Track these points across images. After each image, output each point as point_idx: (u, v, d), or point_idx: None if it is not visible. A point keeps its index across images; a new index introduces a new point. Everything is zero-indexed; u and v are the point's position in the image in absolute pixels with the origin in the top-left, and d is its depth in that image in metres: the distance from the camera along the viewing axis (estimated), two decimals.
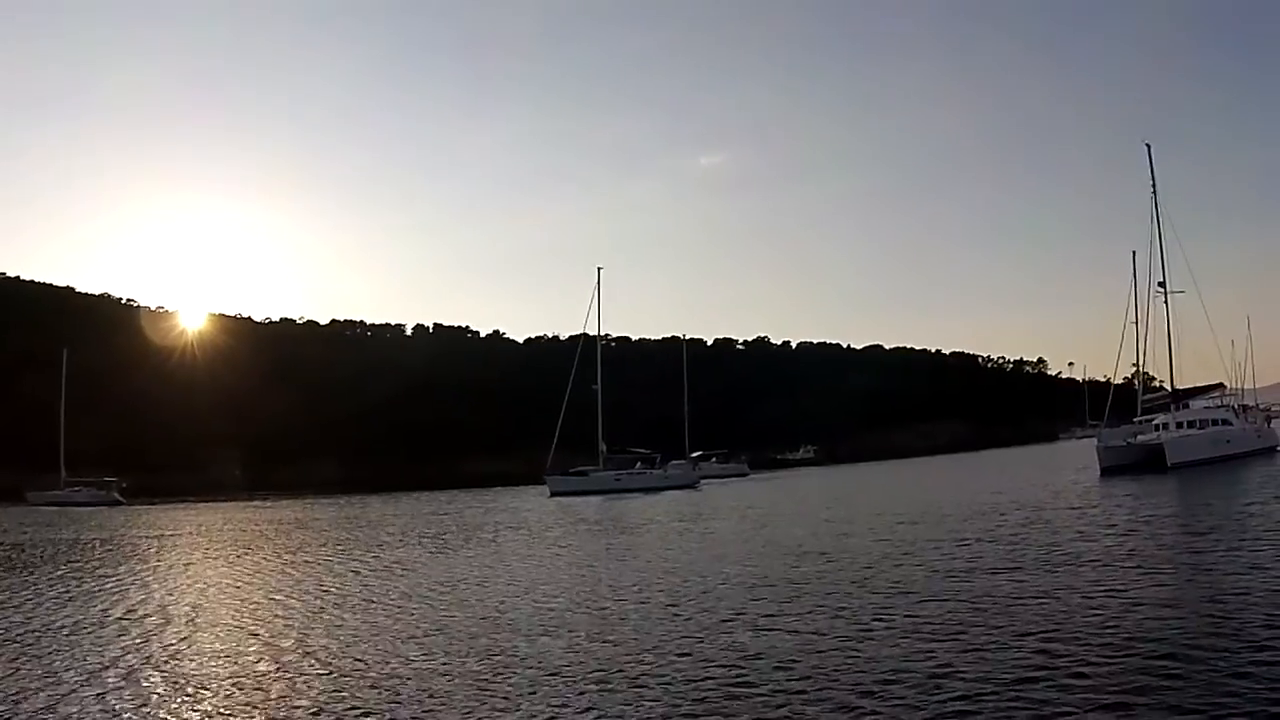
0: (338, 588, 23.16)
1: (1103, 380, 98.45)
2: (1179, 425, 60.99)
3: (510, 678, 12.71)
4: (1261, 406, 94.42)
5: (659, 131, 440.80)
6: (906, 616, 15.28)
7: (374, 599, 20.89)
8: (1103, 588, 16.75)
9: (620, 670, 12.85)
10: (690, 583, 21.05)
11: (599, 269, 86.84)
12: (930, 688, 10.77)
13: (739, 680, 11.80)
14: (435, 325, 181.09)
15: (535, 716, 10.79)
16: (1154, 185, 66.62)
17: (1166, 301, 65.56)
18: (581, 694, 11.68)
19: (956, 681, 10.96)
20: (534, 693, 11.86)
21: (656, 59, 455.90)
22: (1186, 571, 18.45)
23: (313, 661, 14.49)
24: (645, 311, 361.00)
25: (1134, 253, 70.22)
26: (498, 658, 14.01)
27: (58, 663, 14.63)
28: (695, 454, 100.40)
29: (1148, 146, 68.43)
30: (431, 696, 12.03)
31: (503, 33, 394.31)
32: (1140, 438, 60.80)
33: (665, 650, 13.89)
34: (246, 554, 33.71)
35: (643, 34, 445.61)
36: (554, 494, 72.70)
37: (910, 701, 10.33)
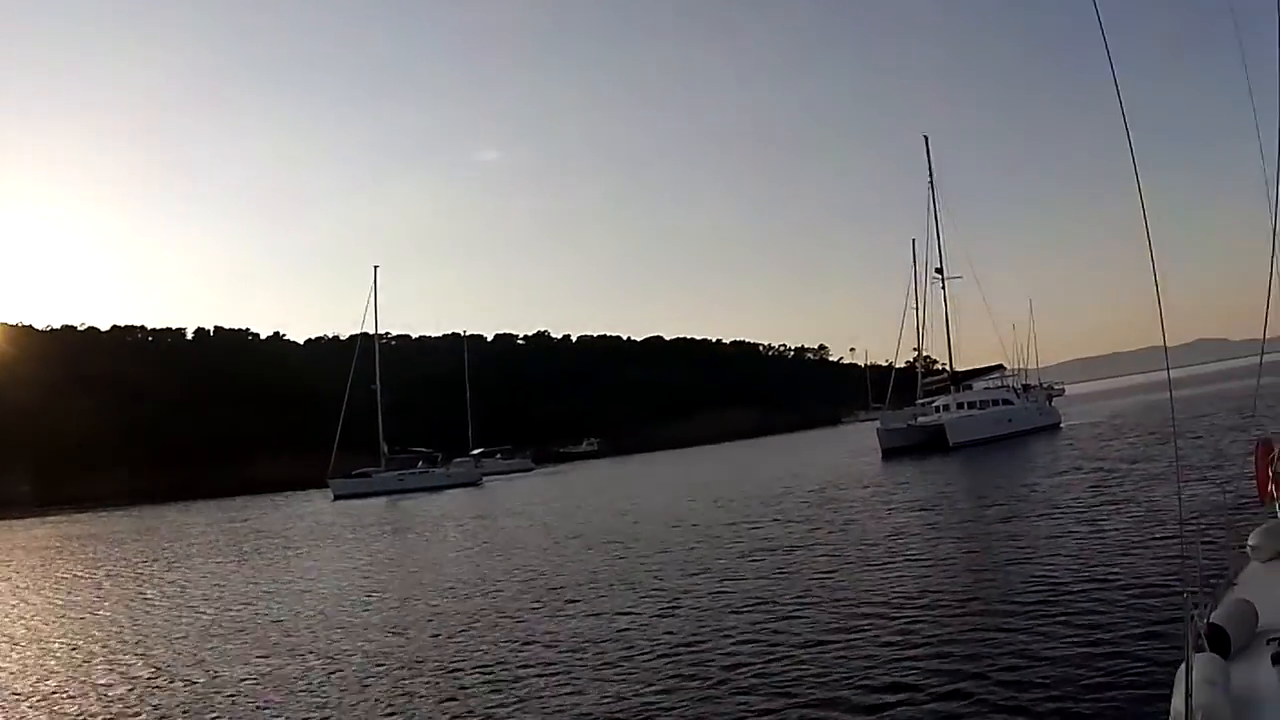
0: (127, 608, 23.46)
1: (885, 365, 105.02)
2: (960, 406, 66.85)
3: (305, 686, 13.77)
4: (1044, 385, 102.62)
5: (437, 126, 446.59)
6: (710, 594, 17.73)
7: (160, 619, 21.34)
8: (882, 559, 19.76)
9: (419, 664, 14.40)
10: (478, 580, 22.84)
11: (375, 267, 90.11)
12: (729, 662, 12.57)
13: (532, 671, 13.27)
14: (216, 328, 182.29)
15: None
16: (931, 175, 73.15)
17: (944, 287, 72.41)
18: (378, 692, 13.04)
19: (752, 648, 13.12)
20: (328, 693, 13.21)
21: (434, 53, 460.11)
22: (959, 543, 21.42)
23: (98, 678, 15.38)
24: (426, 308, 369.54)
25: (914, 240, 76.25)
26: (290, 669, 14.95)
27: None
28: (477, 451, 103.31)
29: (925, 138, 75.03)
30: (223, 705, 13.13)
31: (277, 25, 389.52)
32: (921, 419, 66.08)
33: (466, 647, 15.31)
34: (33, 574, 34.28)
35: (419, 28, 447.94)
36: (338, 497, 76.26)
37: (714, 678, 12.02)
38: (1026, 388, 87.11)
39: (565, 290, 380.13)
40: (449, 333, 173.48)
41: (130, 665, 16.25)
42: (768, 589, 17.66)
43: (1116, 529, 19.87)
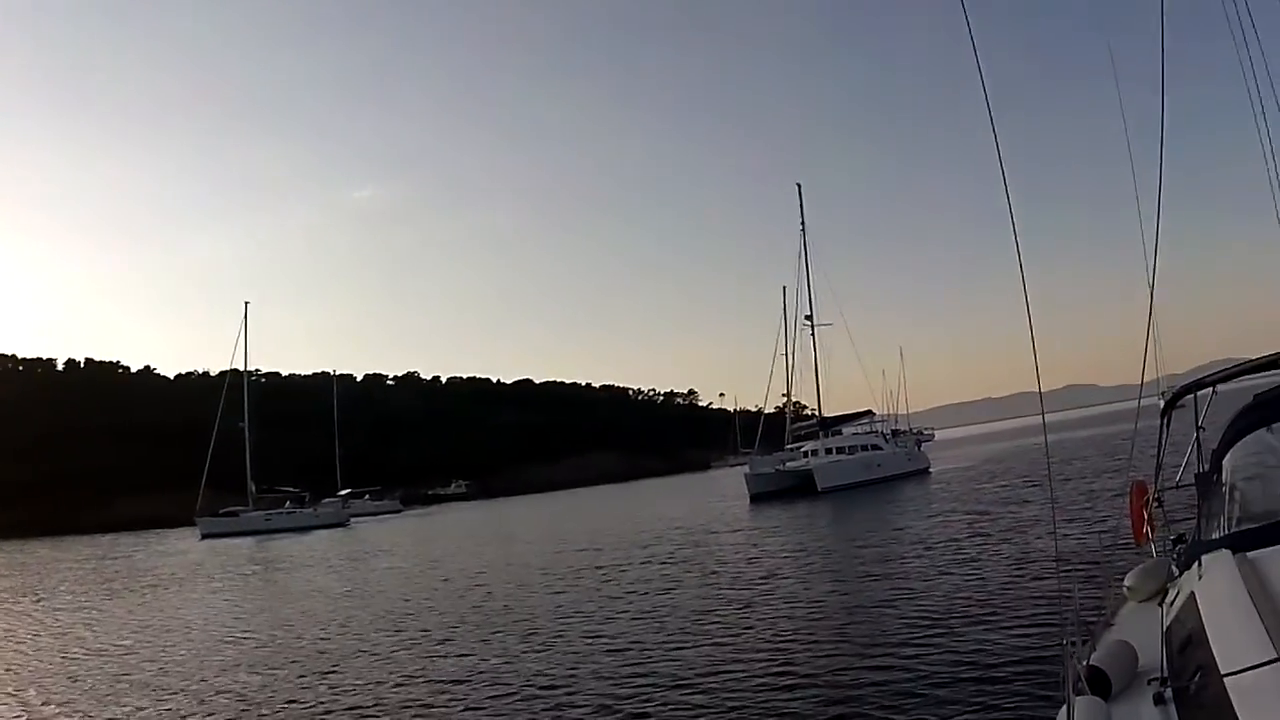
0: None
1: (755, 410, 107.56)
2: (828, 451, 68.50)
3: None
4: (914, 430, 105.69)
5: (311, 163, 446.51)
6: (583, 635, 18.23)
7: (30, 658, 21.77)
8: (752, 602, 20.32)
9: (290, 704, 14.76)
10: (348, 621, 23.45)
11: (246, 303, 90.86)
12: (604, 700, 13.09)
13: (406, 712, 13.70)
14: (86, 360, 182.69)
15: None
16: (803, 223, 75.62)
17: (813, 333, 74.55)
18: None
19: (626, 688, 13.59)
20: None
21: (307, 88, 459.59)
22: (829, 586, 21.78)
23: None
24: (297, 346, 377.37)
25: (785, 287, 78.50)
26: (161, 708, 15.25)
27: None
28: (345, 491, 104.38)
29: (798, 186, 77.14)
30: None
31: (152, 57, 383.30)
32: (789, 464, 67.95)
33: (337, 686, 15.73)
34: None
35: (293, 63, 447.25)
36: (205, 536, 76.61)
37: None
38: (896, 433, 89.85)
39: (436, 330, 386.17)
40: (319, 371, 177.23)
41: None
42: (641, 630, 18.08)
43: (991, 571, 20.19)
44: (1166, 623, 5.47)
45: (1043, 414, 6.80)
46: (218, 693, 16.02)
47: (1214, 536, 5.99)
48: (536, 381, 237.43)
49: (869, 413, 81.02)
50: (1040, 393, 6.41)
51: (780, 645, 15.48)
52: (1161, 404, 8.49)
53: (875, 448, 71.84)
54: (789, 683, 12.95)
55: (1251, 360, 7.83)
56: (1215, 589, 4.88)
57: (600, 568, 29.92)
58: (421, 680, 15.62)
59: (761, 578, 23.90)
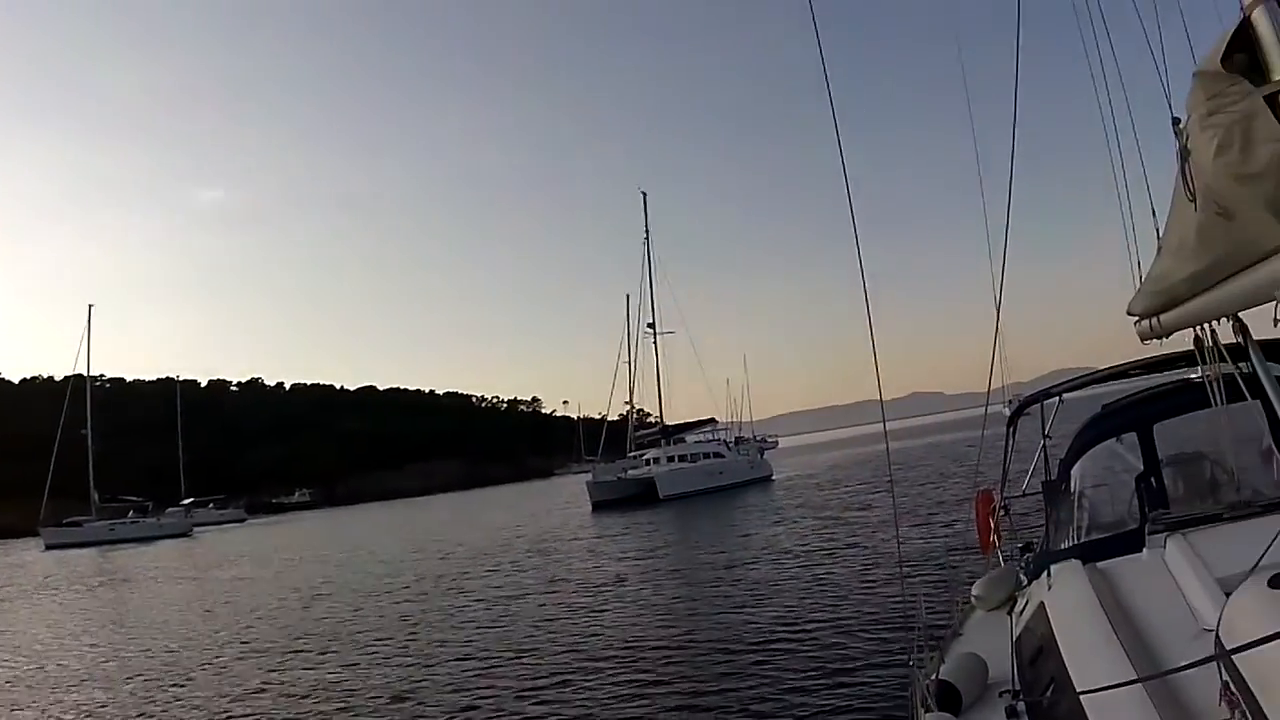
0: None
1: (599, 418, 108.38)
2: (670, 459, 69.20)
3: None
4: (758, 438, 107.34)
5: (156, 164, 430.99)
6: (431, 643, 18.85)
7: None
8: (585, 607, 21.23)
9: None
10: (195, 632, 23.77)
11: (90, 306, 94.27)
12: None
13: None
14: None
15: None
16: (647, 231, 76.31)
17: (655, 342, 75.29)
18: None
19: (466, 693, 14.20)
20: None
21: (154, 91, 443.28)
22: (663, 593, 22.38)
23: None
24: (141, 351, 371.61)
25: (629, 295, 79.06)
26: None
27: None
28: (189, 500, 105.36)
29: (644, 195, 77.57)
30: None
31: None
32: (631, 472, 68.85)
33: (183, 699, 16.08)
34: None
35: (141, 65, 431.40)
36: (49, 547, 77.33)
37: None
38: (739, 440, 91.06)
39: (281, 337, 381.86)
40: (163, 377, 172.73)
41: None
42: (488, 639, 18.56)
43: (837, 579, 20.51)
44: (1016, 633, 5.58)
45: (884, 421, 6.96)
46: (65, 709, 16.08)
47: (1063, 546, 6.15)
48: (380, 388, 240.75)
49: (711, 420, 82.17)
50: (881, 400, 6.60)
51: (622, 653, 15.80)
52: (1007, 412, 8.73)
53: (717, 455, 73.07)
54: (632, 691, 13.17)
55: (1098, 371, 8.13)
56: (1065, 599, 4.98)
57: (445, 577, 30.26)
58: (270, 692, 15.79)
59: (603, 586, 24.28)
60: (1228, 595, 3.61)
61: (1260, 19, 3.12)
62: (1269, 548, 3.33)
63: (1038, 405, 8.49)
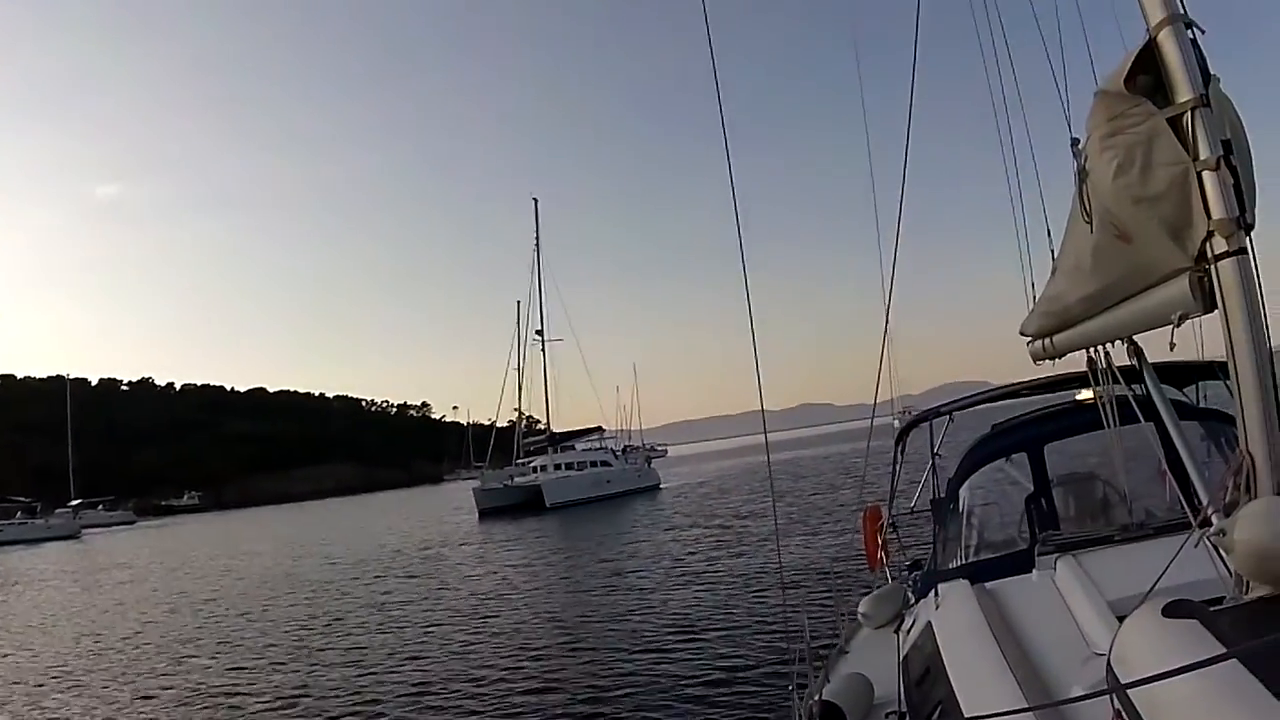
0: None
1: (488, 424, 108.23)
2: (557, 467, 69.17)
3: None
4: (646, 446, 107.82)
5: (53, 157, 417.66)
6: (320, 649, 19.10)
7: None
8: (472, 614, 21.54)
9: None
10: (84, 636, 23.90)
11: None
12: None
13: None
14: None
15: None
16: (538, 238, 76.08)
17: (544, 349, 75.24)
18: None
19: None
20: None
21: (52, 82, 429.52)
22: (545, 603, 22.48)
23: None
24: (31, 347, 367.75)
25: (519, 302, 78.55)
26: None
27: None
28: (77, 501, 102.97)
29: (535, 201, 77.72)
30: None
31: None
32: (519, 479, 68.63)
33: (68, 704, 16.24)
34: None
35: (40, 53, 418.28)
36: None
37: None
38: (627, 449, 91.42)
39: (172, 335, 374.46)
40: (53, 375, 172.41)
41: None
42: (375, 643, 19.01)
43: (721, 591, 20.56)
44: (903, 653, 5.55)
45: (764, 432, 6.96)
46: None
47: (951, 565, 6.13)
48: (271, 390, 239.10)
49: (599, 429, 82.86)
50: (763, 412, 6.56)
51: (506, 660, 16.16)
52: (898, 425, 8.75)
53: (605, 464, 73.37)
54: (513, 700, 13.40)
55: (989, 390, 8.18)
56: (953, 620, 4.94)
57: (334, 583, 30.40)
58: (160, 697, 16.01)
59: (489, 594, 24.52)
60: (1120, 619, 3.60)
61: (1166, 40, 3.12)
62: (1163, 572, 3.33)
63: (927, 422, 8.50)
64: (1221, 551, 2.92)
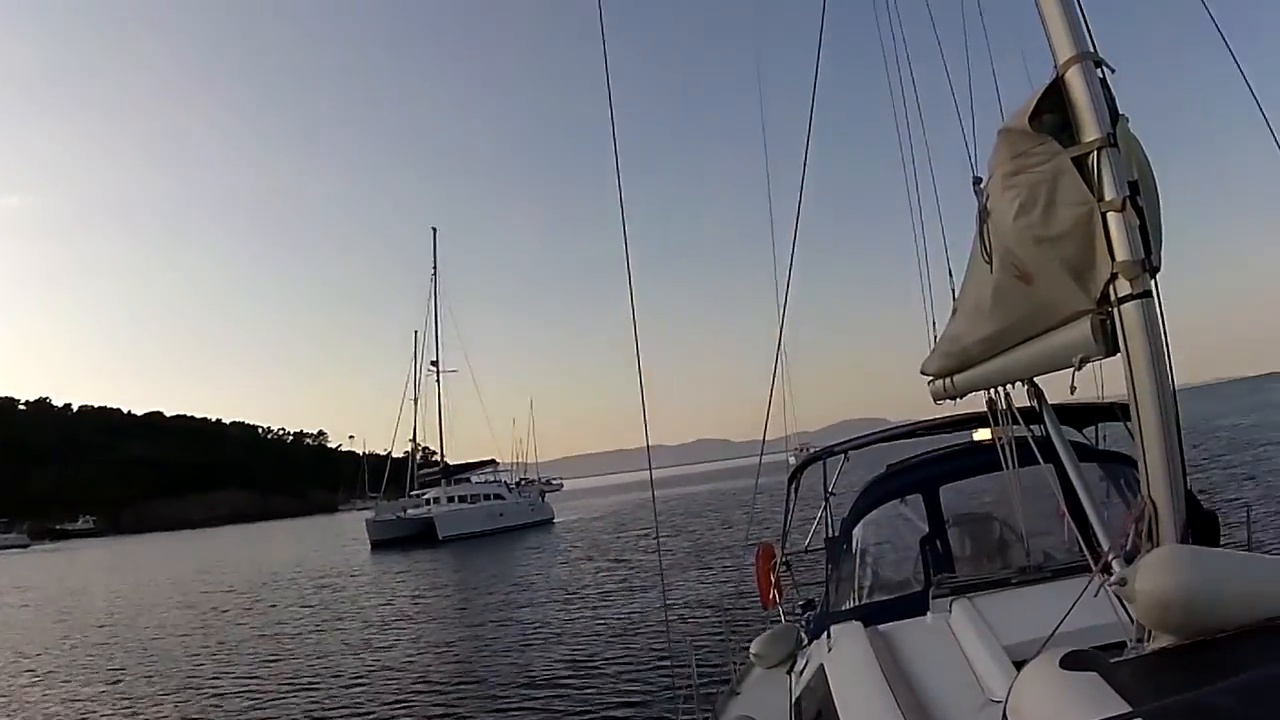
0: None
1: (383, 454, 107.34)
2: (450, 499, 68.66)
3: None
4: (542, 480, 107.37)
5: None
6: (215, 676, 19.40)
7: None
8: (362, 645, 21.80)
9: None
10: None
11: None
12: None
13: None
14: None
15: None
16: (435, 268, 75.58)
17: (439, 380, 74.77)
18: None
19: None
20: None
21: None
22: (434, 637, 22.54)
23: None
24: None
25: (416, 332, 77.93)
26: None
27: None
28: None
29: (434, 230, 77.11)
30: None
31: None
32: (412, 511, 68.11)
33: None
34: None
35: None
36: None
37: None
38: (521, 482, 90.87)
39: (70, 355, 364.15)
40: None
41: None
42: (267, 673, 19.23)
43: (611, 630, 20.42)
44: (795, 695, 5.46)
45: (650, 469, 6.89)
46: None
47: (845, 607, 6.05)
48: (168, 414, 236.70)
49: (492, 462, 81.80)
50: (648, 448, 6.50)
51: (393, 690, 16.48)
52: (791, 462, 8.68)
53: (498, 497, 72.93)
54: None
55: (885, 430, 8.15)
56: (846, 662, 4.86)
57: (228, 611, 30.67)
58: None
59: (379, 625, 24.77)
60: (1017, 665, 3.54)
61: (1075, 78, 3.08)
62: (1062, 621, 3.27)
63: (821, 461, 8.42)
64: (1122, 600, 2.85)
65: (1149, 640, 2.81)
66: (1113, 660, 2.63)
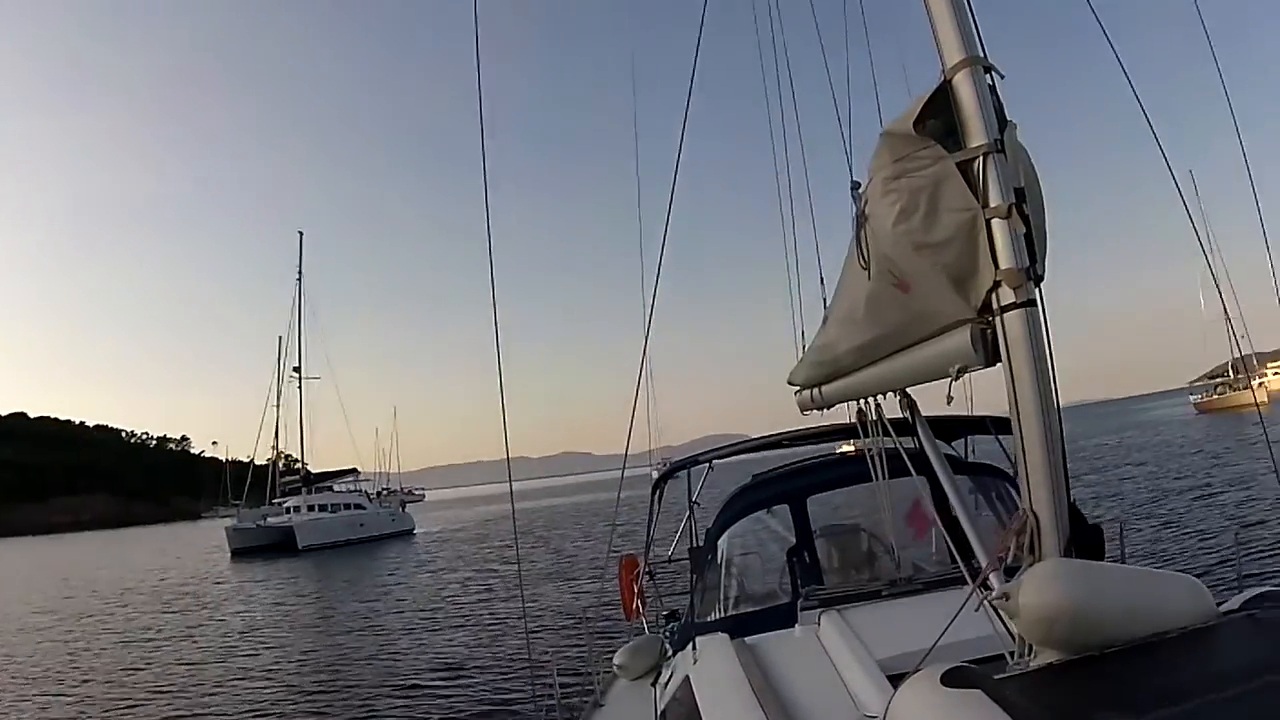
0: None
1: (246, 460, 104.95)
2: (311, 508, 67.52)
3: None
4: (404, 490, 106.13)
5: None
6: (75, 684, 18.99)
7: None
8: (219, 654, 21.44)
9: None
10: None
11: None
12: None
13: None
14: None
15: None
16: (300, 273, 73.70)
17: (301, 386, 72.94)
18: None
19: None
20: None
21: None
22: (283, 643, 22.32)
23: None
24: None
25: (280, 337, 75.82)
26: None
27: None
28: None
29: (300, 234, 75.26)
30: None
31: None
32: (272, 520, 66.83)
33: None
34: None
35: None
36: None
37: None
38: (382, 493, 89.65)
39: None
40: None
41: None
42: (129, 679, 19.01)
43: (469, 642, 20.08)
44: (660, 707, 5.34)
45: (509, 481, 6.75)
46: None
47: (710, 618, 5.92)
48: (32, 415, 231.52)
49: (354, 471, 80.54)
50: (509, 460, 6.37)
51: (256, 698, 16.27)
52: (654, 476, 8.56)
53: (358, 507, 71.74)
54: None
55: (751, 439, 8.07)
56: (712, 674, 4.74)
57: (90, 617, 30.21)
58: None
59: (239, 633, 24.43)
60: (891, 679, 3.46)
61: (963, 83, 2.99)
62: (941, 635, 3.18)
63: (686, 471, 8.29)
64: (1004, 615, 2.76)
65: (1032, 656, 2.72)
66: (996, 676, 2.54)
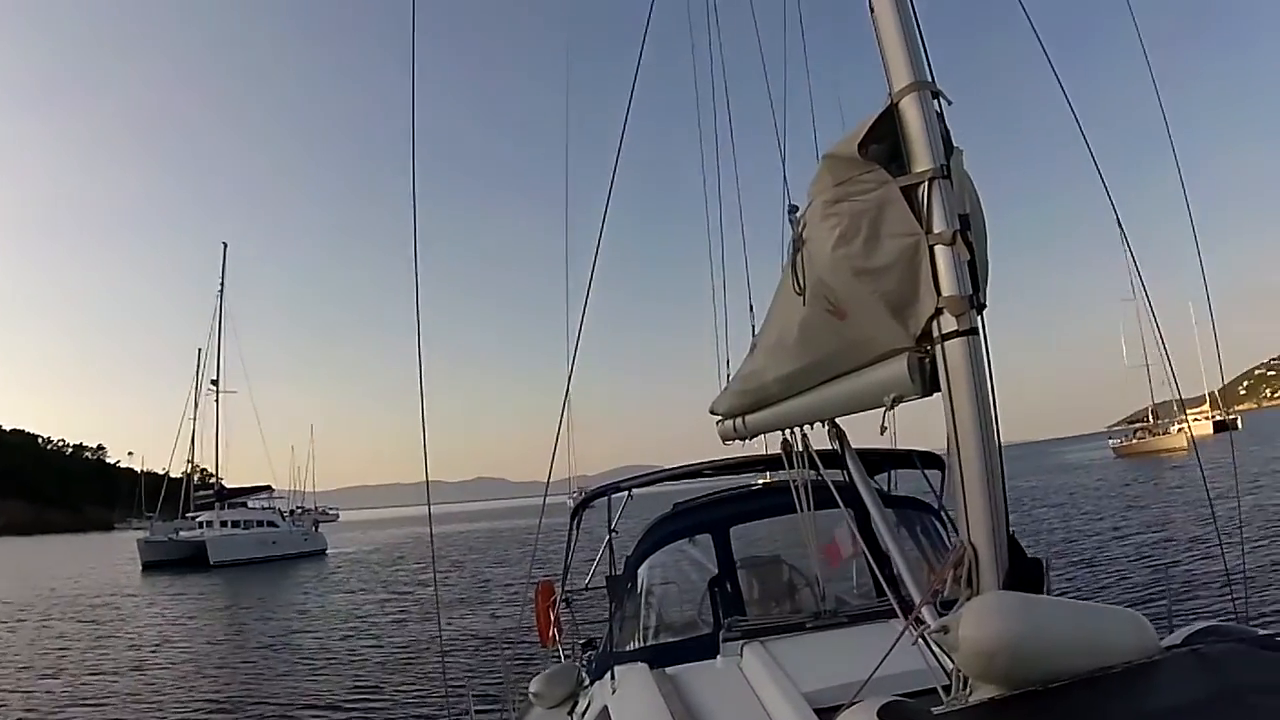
0: None
1: (162, 473, 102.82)
2: (224, 524, 66.89)
3: None
4: (318, 509, 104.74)
5: None
6: None
7: None
8: (125, 668, 20.85)
9: None
10: None
11: None
12: None
13: None
14: None
15: None
16: (222, 284, 72.77)
17: (218, 400, 71.82)
18: None
19: None
20: None
21: None
22: (191, 658, 21.97)
23: None
24: None
25: (200, 349, 74.65)
26: None
27: None
28: None
29: (224, 245, 74.33)
30: None
31: None
32: (184, 534, 66.41)
33: None
34: None
35: None
36: None
37: None
38: (298, 510, 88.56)
39: None
40: None
41: None
42: (39, 689, 18.76)
43: (378, 667, 19.50)
44: None
45: (429, 504, 6.59)
46: None
47: (629, 647, 5.79)
48: None
49: (268, 488, 79.34)
50: (428, 482, 6.23)
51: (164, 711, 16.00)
52: (570, 504, 8.43)
53: (271, 524, 71.15)
54: None
55: (672, 468, 7.97)
56: (631, 705, 4.61)
57: None
58: None
59: (150, 646, 24.05)
60: (819, 713, 3.36)
61: (910, 107, 2.92)
62: (877, 668, 3.08)
63: (605, 499, 8.17)
64: (943, 649, 2.66)
65: (969, 691, 2.62)
66: (935, 710, 2.44)
